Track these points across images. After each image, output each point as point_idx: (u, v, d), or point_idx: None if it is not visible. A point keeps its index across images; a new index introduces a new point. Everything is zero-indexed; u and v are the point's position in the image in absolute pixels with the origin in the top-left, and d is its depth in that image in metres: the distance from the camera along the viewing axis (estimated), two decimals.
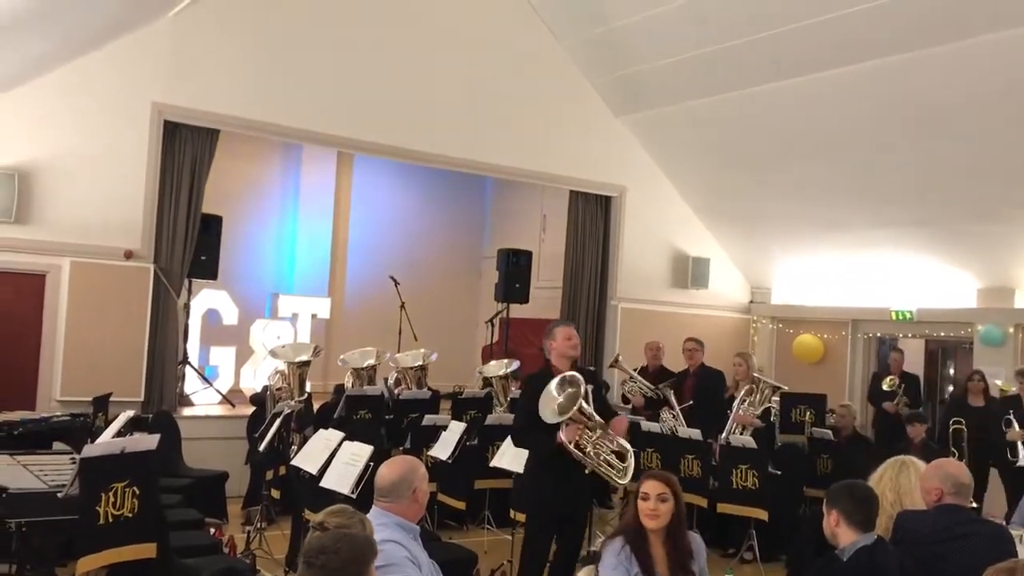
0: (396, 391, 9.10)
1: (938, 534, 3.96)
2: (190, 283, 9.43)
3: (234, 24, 8.80)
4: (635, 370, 9.12)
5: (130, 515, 4.45)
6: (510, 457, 6.71)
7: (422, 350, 9.55)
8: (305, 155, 12.44)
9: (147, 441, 4.82)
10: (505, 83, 10.40)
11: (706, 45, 9.32)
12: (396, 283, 11.10)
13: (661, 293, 11.64)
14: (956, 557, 3.80)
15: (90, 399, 7.43)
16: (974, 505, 4.46)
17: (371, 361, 9.09)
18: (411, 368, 9.35)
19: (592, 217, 11.34)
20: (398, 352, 10.00)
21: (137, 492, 4.50)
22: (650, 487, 3.87)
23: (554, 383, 5.01)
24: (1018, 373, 8.32)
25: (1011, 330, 9.53)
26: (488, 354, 11.36)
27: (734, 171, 10.80)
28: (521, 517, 7.06)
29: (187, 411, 9.13)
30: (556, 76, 10.77)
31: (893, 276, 10.55)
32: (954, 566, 3.77)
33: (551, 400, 4.94)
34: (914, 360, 12.86)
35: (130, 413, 6.05)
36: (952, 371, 12.73)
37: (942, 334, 10.74)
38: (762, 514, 7.26)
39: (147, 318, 8.42)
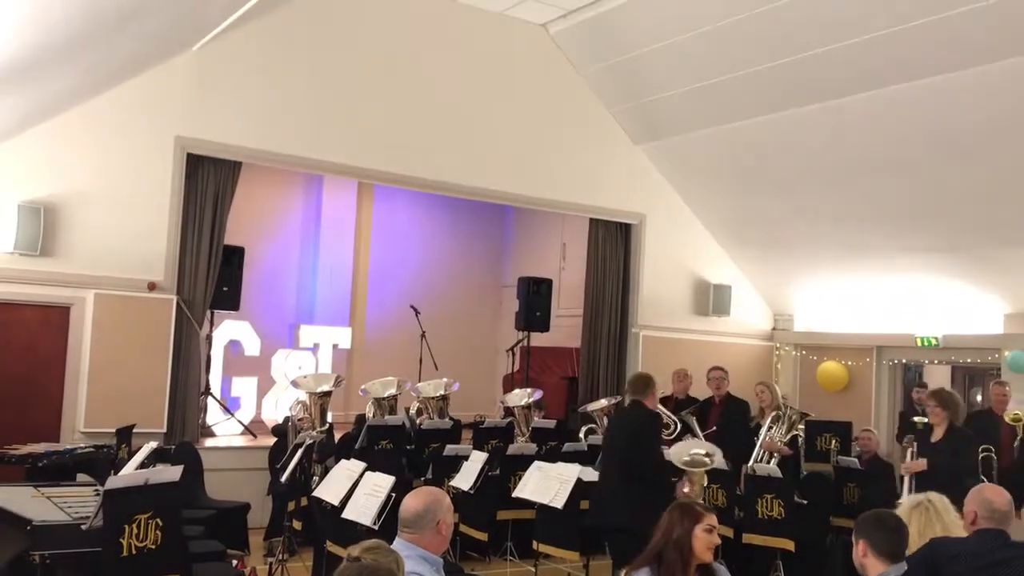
0: (418, 421, 9.08)
1: (975, 559, 3.88)
2: (212, 314, 9.48)
3: (255, 58, 8.91)
4: (660, 397, 9.04)
5: (153, 547, 4.46)
6: (532, 487, 6.67)
7: (444, 380, 9.54)
8: (326, 185, 12.54)
9: (170, 473, 4.83)
10: (524, 112, 10.46)
11: (724, 73, 9.34)
12: (417, 312, 11.11)
13: (682, 321, 11.58)
14: None
15: (114, 430, 7.45)
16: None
17: (392, 391, 9.08)
18: (433, 398, 9.33)
19: (612, 245, 11.33)
20: (419, 382, 10.00)
21: (160, 524, 4.51)
22: (714, 520, 3.90)
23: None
24: None
25: None
26: (509, 383, 11.34)
27: (754, 197, 10.78)
28: (545, 548, 7.02)
29: (209, 442, 9.14)
30: (575, 105, 10.81)
31: (918, 301, 10.45)
32: None
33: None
34: (941, 385, 12.72)
35: (153, 444, 6.07)
36: (980, 398, 12.56)
37: (968, 360, 10.60)
38: (788, 544, 7.15)
39: (170, 349, 8.46)
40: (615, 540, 6.23)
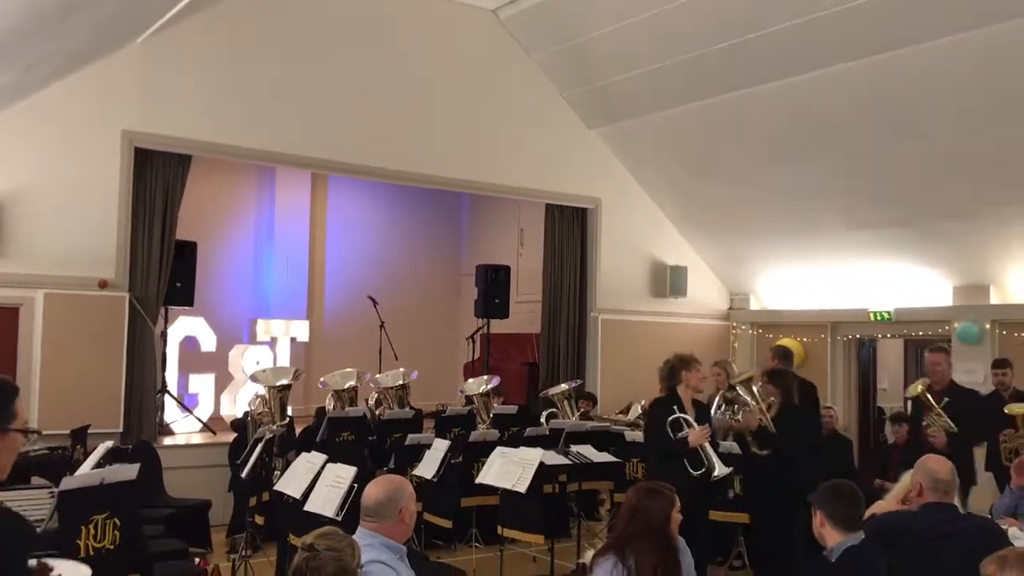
0: (378, 411, 9.05)
1: (927, 532, 3.97)
2: (166, 311, 9.35)
3: (202, 49, 8.77)
4: None
5: (112, 547, 4.40)
6: (496, 473, 6.67)
7: (402, 369, 9.51)
8: (279, 177, 12.40)
9: (126, 471, 4.76)
10: (477, 99, 10.42)
11: (676, 55, 9.39)
12: (375, 303, 11.05)
13: (640, 303, 11.66)
14: (950, 554, 3.80)
15: (68, 432, 7.33)
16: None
17: (352, 383, 9.03)
18: (392, 388, 9.30)
19: (569, 230, 11.36)
20: (379, 373, 9.95)
21: (118, 523, 4.45)
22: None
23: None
24: (994, 364, 8.26)
25: (987, 327, 9.61)
26: (470, 371, 11.34)
27: (707, 179, 10.87)
28: (510, 533, 7.04)
29: (167, 440, 9.02)
30: (528, 90, 10.81)
31: (870, 277, 10.62)
32: (949, 564, 3.77)
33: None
34: (893, 360, 12.97)
35: (109, 444, 5.98)
36: None
37: (920, 333, 10.82)
38: (745, 518, 7.27)
39: (124, 348, 8.33)
40: None
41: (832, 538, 3.66)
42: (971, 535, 3.94)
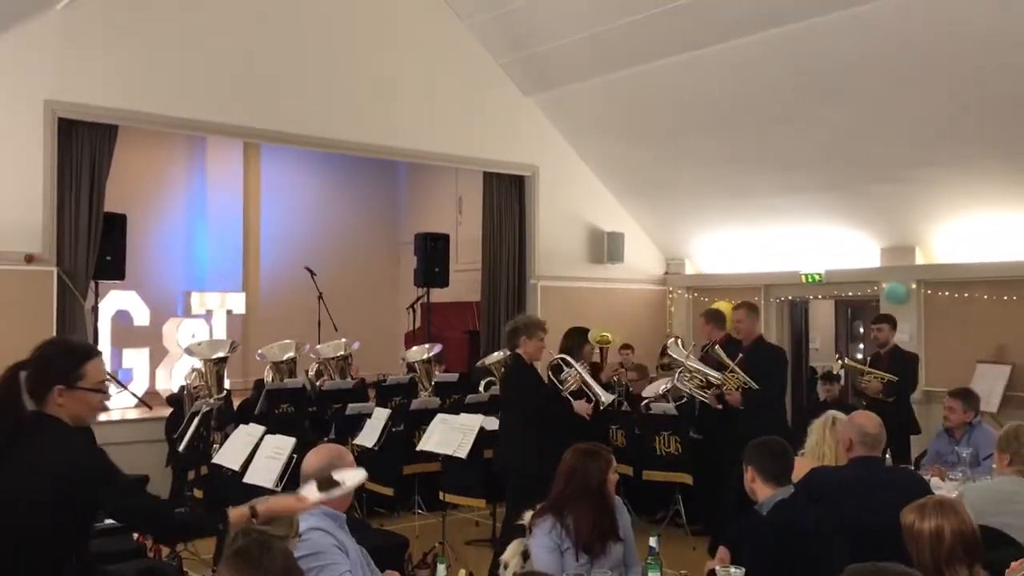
0: (318, 383, 9.01)
1: (855, 485, 4.11)
2: (97, 285, 9.13)
3: (127, 14, 8.50)
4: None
5: None
6: (437, 439, 6.72)
7: (343, 340, 9.47)
8: (210, 147, 12.17)
9: None
10: (411, 65, 10.31)
11: (608, 21, 9.39)
12: (312, 274, 10.94)
13: (579, 269, 11.74)
14: (877, 506, 3.94)
15: None
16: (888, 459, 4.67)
17: (290, 354, 8.98)
18: (332, 359, 9.27)
19: (507, 198, 11.36)
20: (319, 344, 9.89)
21: None
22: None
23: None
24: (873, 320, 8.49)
25: (913, 287, 9.90)
26: (411, 340, 11.33)
27: (642, 145, 10.94)
28: (452, 499, 7.11)
29: (102, 416, 8.83)
30: (462, 57, 10.72)
31: (801, 240, 10.85)
32: (874, 516, 3.91)
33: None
34: (825, 320, 13.31)
35: None
36: (862, 329, 13.20)
37: (850, 294, 11.10)
38: (686, 479, 7.44)
39: (53, 323, 8.12)
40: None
41: (763, 493, 3.77)
42: (896, 486, 4.10)
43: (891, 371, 7.65)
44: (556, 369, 6.39)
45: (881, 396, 7.51)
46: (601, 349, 9.76)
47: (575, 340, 7.04)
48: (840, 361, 8.46)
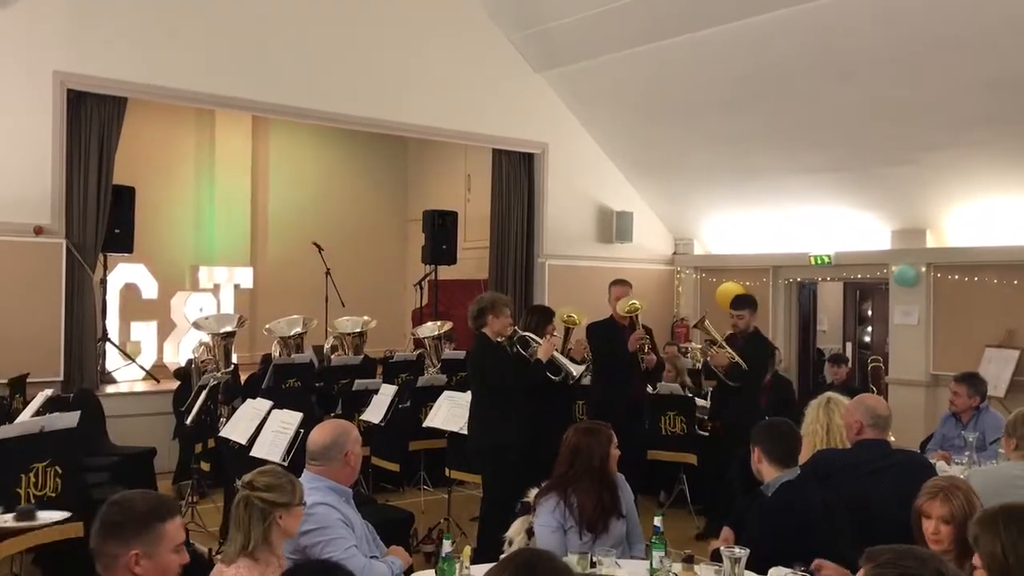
0: (332, 357, 9.03)
1: (861, 466, 4.11)
2: (105, 258, 9.16)
3: None
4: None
5: (53, 495, 4.37)
6: (443, 416, 6.74)
7: (364, 317, 9.49)
8: (218, 121, 12.13)
9: (66, 419, 4.71)
10: (421, 41, 10.25)
11: None
12: (320, 249, 10.93)
13: (587, 248, 11.71)
14: (882, 487, 3.95)
15: (5, 380, 7.19)
16: (892, 439, 4.66)
17: (298, 329, 9.00)
18: (349, 334, 9.30)
19: (516, 175, 11.32)
20: (326, 320, 9.91)
21: (59, 471, 4.42)
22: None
23: None
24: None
25: (923, 269, 9.85)
26: (418, 317, 11.33)
27: (653, 124, 10.88)
28: (457, 475, 7.13)
29: (110, 388, 8.91)
30: (473, 33, 10.65)
31: (811, 222, 10.79)
32: (879, 498, 3.92)
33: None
34: (833, 302, 13.28)
35: (48, 392, 5.90)
36: (870, 312, 13.16)
37: (859, 276, 11.06)
38: (691, 458, 7.45)
39: (62, 295, 8.15)
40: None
41: (769, 474, 3.77)
42: (902, 469, 4.10)
43: (742, 356, 7.04)
44: (523, 343, 6.23)
45: (724, 376, 7.09)
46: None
47: (540, 318, 6.72)
48: (703, 321, 7.71)
